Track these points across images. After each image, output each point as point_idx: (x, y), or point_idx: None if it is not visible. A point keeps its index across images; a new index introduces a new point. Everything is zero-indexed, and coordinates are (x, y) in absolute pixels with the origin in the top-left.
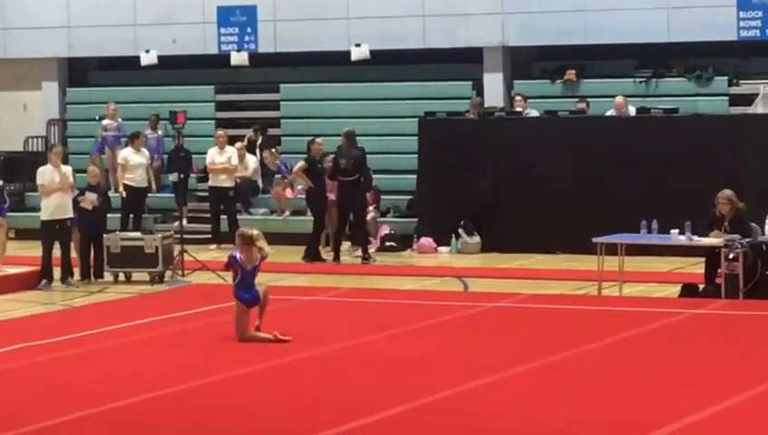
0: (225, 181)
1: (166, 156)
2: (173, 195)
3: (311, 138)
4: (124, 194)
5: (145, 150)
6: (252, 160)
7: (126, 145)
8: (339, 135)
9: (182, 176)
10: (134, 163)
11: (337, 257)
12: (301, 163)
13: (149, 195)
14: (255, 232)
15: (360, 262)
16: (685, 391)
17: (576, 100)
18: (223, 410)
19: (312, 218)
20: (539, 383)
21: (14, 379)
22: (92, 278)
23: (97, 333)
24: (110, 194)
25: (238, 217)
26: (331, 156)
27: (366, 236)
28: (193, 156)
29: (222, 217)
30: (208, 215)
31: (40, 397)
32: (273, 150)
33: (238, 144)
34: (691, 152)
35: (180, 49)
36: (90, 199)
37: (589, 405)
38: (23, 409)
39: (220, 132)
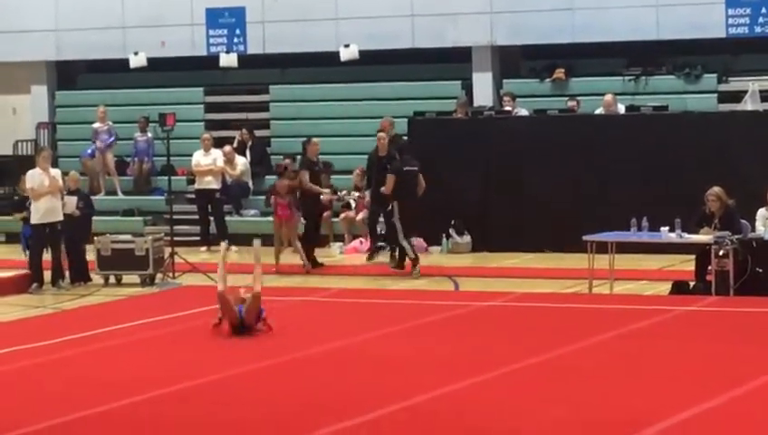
0: (211, 183)
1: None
2: (163, 197)
3: (304, 139)
4: None
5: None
6: (241, 162)
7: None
8: (328, 136)
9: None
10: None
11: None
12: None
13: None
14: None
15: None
16: (676, 389)
17: (565, 98)
18: (217, 411)
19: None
20: (530, 382)
21: (5, 382)
22: (82, 282)
23: (88, 336)
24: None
25: (229, 218)
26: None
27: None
28: (181, 158)
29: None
30: (197, 217)
31: (32, 400)
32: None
33: (227, 147)
34: (681, 149)
35: (169, 51)
36: (69, 205)
37: (580, 403)
38: (14, 412)
39: (206, 135)
